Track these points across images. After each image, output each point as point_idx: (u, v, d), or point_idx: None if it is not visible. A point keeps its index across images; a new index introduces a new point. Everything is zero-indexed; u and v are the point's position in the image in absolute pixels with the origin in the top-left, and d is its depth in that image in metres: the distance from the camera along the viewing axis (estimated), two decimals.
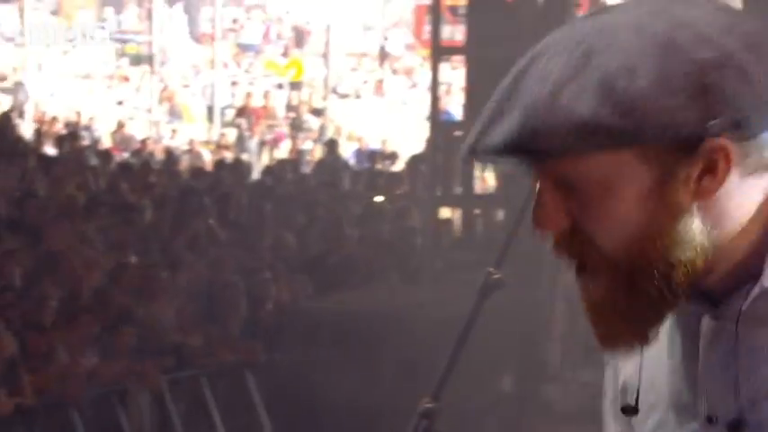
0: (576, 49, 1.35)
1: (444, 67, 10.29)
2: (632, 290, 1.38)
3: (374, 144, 17.58)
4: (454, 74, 14.22)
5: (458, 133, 10.12)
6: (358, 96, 25.16)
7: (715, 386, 1.41)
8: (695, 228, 1.37)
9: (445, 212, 10.22)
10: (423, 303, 8.29)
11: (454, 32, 10.33)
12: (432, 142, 9.81)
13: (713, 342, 1.41)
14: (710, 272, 1.39)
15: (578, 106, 1.32)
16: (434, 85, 9.64)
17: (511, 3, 8.84)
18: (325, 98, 19.83)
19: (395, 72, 27.22)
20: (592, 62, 1.33)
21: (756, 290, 1.38)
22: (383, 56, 28.27)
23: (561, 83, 1.33)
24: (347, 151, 17.53)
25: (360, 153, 17.03)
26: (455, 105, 12.60)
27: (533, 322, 7.82)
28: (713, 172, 1.36)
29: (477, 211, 9.90)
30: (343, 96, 24.41)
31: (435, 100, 9.64)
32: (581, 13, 8.38)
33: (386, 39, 29.02)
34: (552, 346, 7.58)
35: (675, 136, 1.33)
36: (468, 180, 9.84)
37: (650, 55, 1.33)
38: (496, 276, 3.01)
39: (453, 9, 10.53)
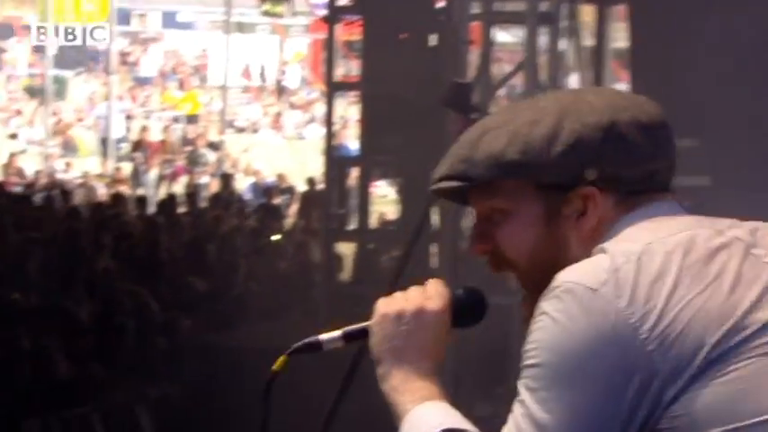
0: (507, 110, 1.81)
1: (342, 102, 10.31)
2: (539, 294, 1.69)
3: (271, 178, 17.54)
4: (352, 108, 14.30)
5: (353, 168, 10.16)
6: (255, 130, 25.09)
7: None
8: (575, 258, 1.69)
9: (341, 247, 10.24)
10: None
11: (351, 67, 10.37)
12: (327, 176, 9.82)
13: None
14: None
15: (494, 145, 1.74)
16: (329, 119, 9.66)
17: (403, 40, 8.91)
18: (221, 132, 19.71)
19: (292, 106, 27.21)
20: (514, 118, 1.76)
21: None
22: (280, 90, 28.28)
23: (487, 130, 1.76)
24: (243, 185, 17.47)
25: (256, 187, 16.97)
26: (352, 140, 12.63)
27: None
28: (586, 214, 1.72)
29: (371, 246, 9.93)
30: (240, 130, 24.33)
31: (330, 134, 9.66)
32: (472, 51, 8.48)
33: (283, 73, 29.05)
34: (447, 380, 7.62)
35: (557, 177, 1.72)
36: (363, 214, 9.87)
37: (553, 114, 1.74)
38: None
39: (349, 44, 10.59)
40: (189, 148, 19.67)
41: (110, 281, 9.55)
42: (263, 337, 8.58)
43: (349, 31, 9.77)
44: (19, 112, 24.11)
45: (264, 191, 15.69)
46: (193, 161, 18.87)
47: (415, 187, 8.29)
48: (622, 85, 11.69)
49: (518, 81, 8.49)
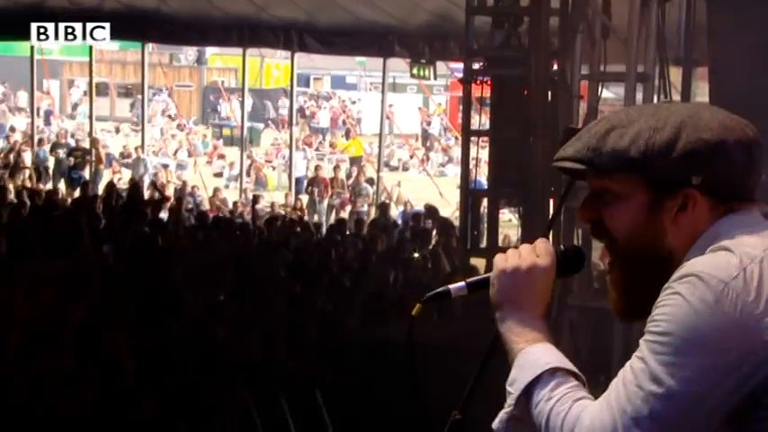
0: (631, 111, 1.73)
1: (475, 146, 10.32)
2: (634, 275, 1.70)
3: (418, 207, 17.62)
4: (483, 151, 14.28)
5: (483, 198, 10.17)
6: (405, 169, 25.34)
7: None
8: (668, 245, 1.68)
9: (474, 261, 10.23)
10: (457, 334, 8.28)
11: (482, 118, 10.40)
12: (463, 205, 9.86)
13: None
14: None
15: (619, 142, 1.69)
16: (464, 159, 9.71)
17: (527, 95, 8.91)
18: (378, 170, 19.90)
19: (434, 150, 27.38)
20: (638, 120, 1.70)
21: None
22: (425, 137, 28.48)
23: (614, 127, 1.70)
24: (396, 213, 17.58)
25: (406, 214, 17.06)
26: (483, 176, 12.61)
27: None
28: (685, 210, 1.69)
29: None
30: (394, 169, 24.56)
31: (465, 172, 9.70)
32: (582, 104, 8.43)
33: (428, 123, 29.25)
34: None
35: (668, 176, 1.67)
36: (491, 235, 9.87)
37: (673, 125, 1.68)
38: None
39: (481, 100, 10.61)
40: (353, 183, 19.88)
41: (289, 287, 9.72)
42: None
43: (480, 89, 9.80)
44: (222, 156, 24.86)
45: (413, 217, 15.77)
46: (356, 194, 19.07)
47: (533, 213, 8.26)
48: None
49: None
